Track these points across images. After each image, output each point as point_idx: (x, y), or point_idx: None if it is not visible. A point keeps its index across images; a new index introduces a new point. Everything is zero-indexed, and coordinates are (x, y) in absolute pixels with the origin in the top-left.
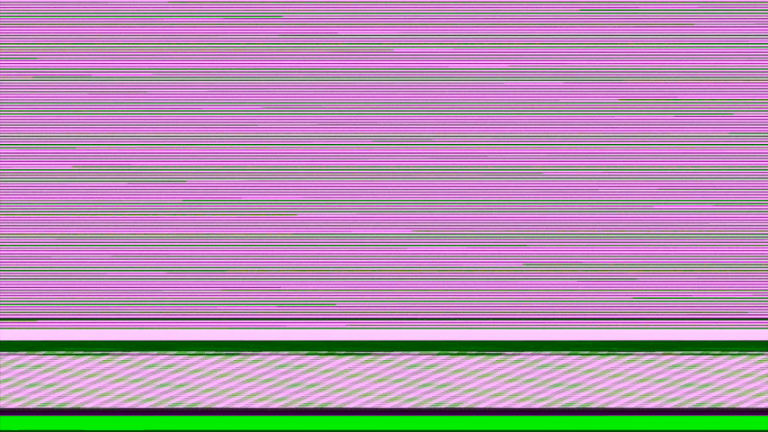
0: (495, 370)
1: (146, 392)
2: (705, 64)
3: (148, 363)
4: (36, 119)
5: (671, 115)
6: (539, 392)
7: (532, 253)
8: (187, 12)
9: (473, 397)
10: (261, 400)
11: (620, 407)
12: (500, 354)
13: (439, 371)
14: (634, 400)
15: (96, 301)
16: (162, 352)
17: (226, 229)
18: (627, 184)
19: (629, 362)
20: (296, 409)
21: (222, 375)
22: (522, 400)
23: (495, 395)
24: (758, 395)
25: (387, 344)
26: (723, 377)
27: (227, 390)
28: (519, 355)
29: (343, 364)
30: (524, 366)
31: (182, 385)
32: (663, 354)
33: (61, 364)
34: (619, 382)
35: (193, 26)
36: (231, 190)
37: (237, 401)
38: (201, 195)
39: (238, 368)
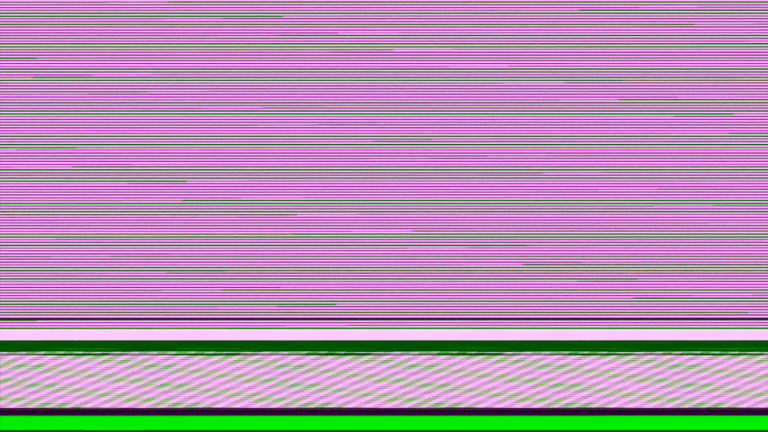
0: (495, 370)
1: (146, 392)
2: (705, 64)
3: (148, 363)
4: (36, 119)
5: (671, 115)
6: (539, 392)
7: (532, 253)
8: (187, 12)
9: (473, 397)
10: (261, 400)
11: (620, 407)
12: (500, 354)
13: (439, 371)
14: (634, 400)
15: (96, 301)
16: (162, 352)
17: (226, 229)
18: (627, 184)
19: (629, 362)
20: (296, 409)
21: (222, 375)
22: (522, 400)
23: (495, 395)
24: (758, 395)
25: (387, 344)
26: (723, 377)
27: (227, 390)
28: (519, 355)
29: (343, 364)
30: (524, 366)
31: (182, 385)
32: (663, 354)
33: (61, 364)
34: (619, 382)
35: (193, 26)
36: (231, 190)
37: (237, 401)
38: (201, 195)
39: (238, 368)
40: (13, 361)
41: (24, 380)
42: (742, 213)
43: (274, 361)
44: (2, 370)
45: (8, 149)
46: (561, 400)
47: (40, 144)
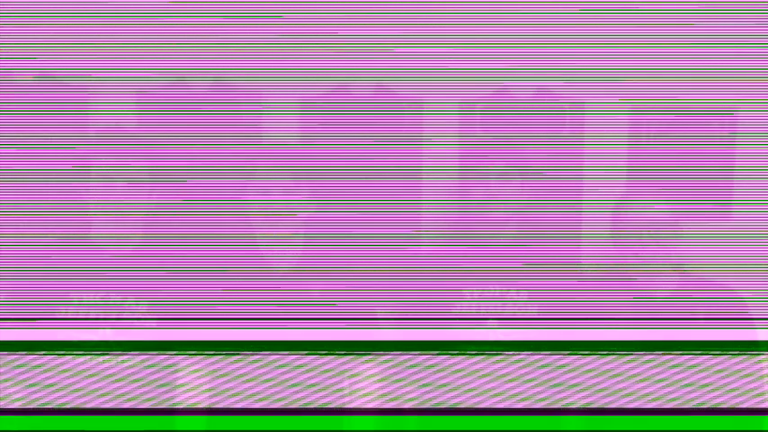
0: (495, 370)
1: (146, 392)
2: (705, 64)
3: (149, 363)
4: (36, 119)
5: (671, 115)
6: (539, 392)
7: (532, 253)
8: (187, 12)
9: (473, 397)
10: (261, 400)
11: (620, 407)
12: (500, 354)
13: (439, 371)
14: (634, 400)
15: (96, 302)
16: (162, 352)
17: (226, 229)
18: (627, 184)
19: (629, 362)
20: (296, 409)
21: (222, 375)
22: (522, 400)
23: (495, 395)
24: (758, 395)
25: (387, 344)
26: (723, 377)
27: (227, 390)
28: (519, 355)
29: (343, 364)
30: (524, 366)
31: (181, 385)
32: (663, 354)
33: (61, 364)
34: (619, 382)
35: (193, 26)
36: (231, 190)
37: (237, 401)
38: (201, 195)
39: (238, 368)
40: (13, 361)
41: (24, 380)
42: (742, 213)
43: (274, 361)
44: (2, 370)
45: (8, 149)
46: (561, 400)
47: (40, 144)
